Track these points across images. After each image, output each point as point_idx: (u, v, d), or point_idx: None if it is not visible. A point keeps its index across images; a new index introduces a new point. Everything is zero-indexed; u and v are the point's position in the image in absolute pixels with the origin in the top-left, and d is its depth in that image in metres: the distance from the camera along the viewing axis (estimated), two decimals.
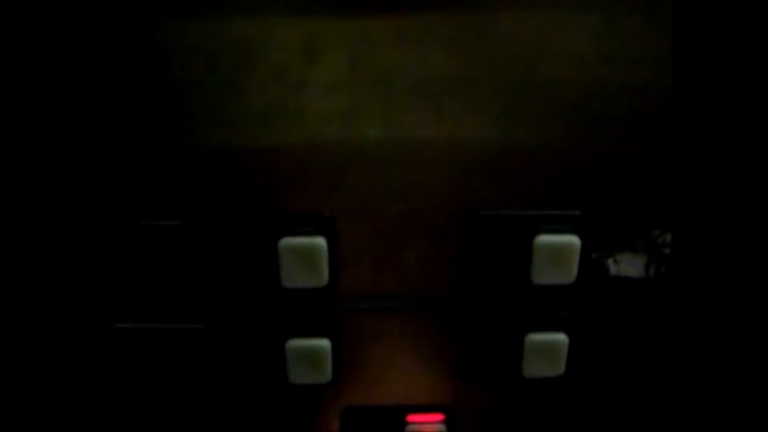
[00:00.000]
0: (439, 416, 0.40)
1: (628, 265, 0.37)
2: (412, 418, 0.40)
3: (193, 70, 0.34)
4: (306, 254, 0.35)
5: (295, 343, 0.37)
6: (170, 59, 0.34)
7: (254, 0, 0.33)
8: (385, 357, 0.39)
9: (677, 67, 0.35)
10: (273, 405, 0.39)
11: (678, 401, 0.40)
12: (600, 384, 0.40)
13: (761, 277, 0.38)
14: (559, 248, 0.36)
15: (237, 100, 0.34)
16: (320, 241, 0.35)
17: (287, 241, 0.35)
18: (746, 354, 0.39)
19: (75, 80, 0.34)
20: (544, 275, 0.37)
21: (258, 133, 0.34)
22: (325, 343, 0.37)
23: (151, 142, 0.34)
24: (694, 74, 0.35)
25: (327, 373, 0.38)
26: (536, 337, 0.38)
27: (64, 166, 0.35)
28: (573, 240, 0.36)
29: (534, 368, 0.39)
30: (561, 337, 0.38)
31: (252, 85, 0.34)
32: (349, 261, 0.36)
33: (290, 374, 0.38)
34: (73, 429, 0.39)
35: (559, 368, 0.39)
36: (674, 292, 0.38)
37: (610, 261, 0.37)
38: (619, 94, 0.35)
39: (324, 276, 0.36)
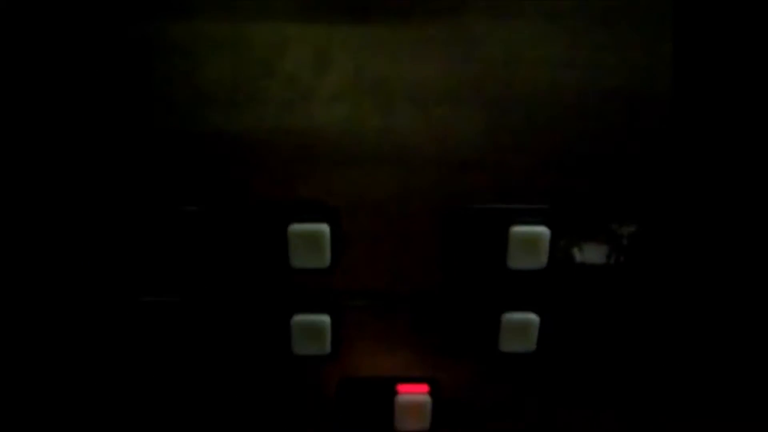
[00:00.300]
0: (424, 387, 0.45)
1: (591, 253, 0.43)
2: (401, 387, 0.45)
3: (209, 72, 0.39)
4: (312, 238, 0.40)
5: (300, 317, 0.42)
6: (190, 61, 0.39)
7: (271, 8, 0.39)
8: (379, 334, 0.44)
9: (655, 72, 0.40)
10: (278, 374, 0.44)
11: (634, 374, 0.45)
12: (567, 359, 0.45)
13: (715, 266, 0.44)
14: (531, 237, 0.41)
15: (254, 102, 0.39)
16: (324, 227, 0.40)
17: (295, 227, 0.40)
18: (702, 336, 0.45)
19: (103, 74, 0.39)
20: (518, 261, 0.42)
21: (272, 132, 0.40)
22: (326, 319, 0.42)
23: (182, 142, 0.39)
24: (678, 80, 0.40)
25: (327, 346, 0.43)
26: (511, 316, 0.43)
27: (99, 157, 0.40)
28: (543, 230, 0.41)
29: (509, 344, 0.44)
30: (533, 317, 0.43)
31: (267, 90, 0.39)
32: (346, 246, 0.42)
33: (294, 346, 0.43)
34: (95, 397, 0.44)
35: (532, 344, 0.44)
36: (633, 277, 0.43)
37: (575, 249, 0.43)
38: (587, 101, 0.40)
39: (327, 258, 0.41)
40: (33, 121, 0.39)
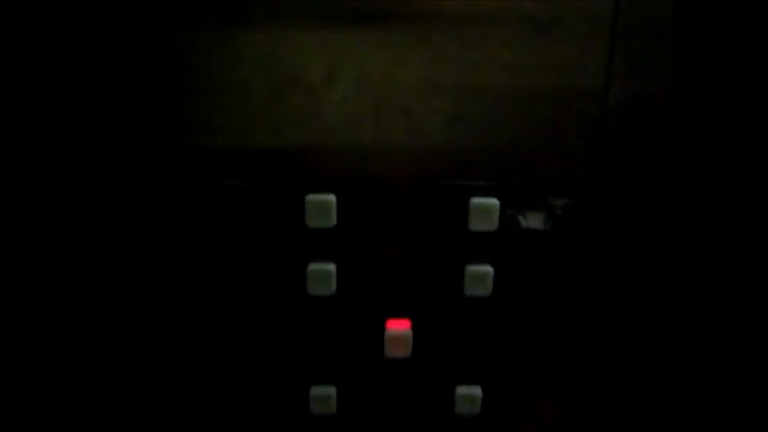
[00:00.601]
0: (407, 322, 0.59)
1: (532, 220, 0.57)
2: (389, 323, 0.59)
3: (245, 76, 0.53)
4: (323, 205, 0.55)
5: (313, 266, 0.56)
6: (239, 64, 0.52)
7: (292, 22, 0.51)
8: (372, 280, 0.58)
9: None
10: (295, 311, 0.58)
11: (567, 315, 0.59)
12: (515, 301, 0.59)
13: (632, 232, 0.57)
14: (486, 207, 0.55)
15: (281, 107, 0.53)
16: (332, 197, 0.54)
17: (311, 197, 0.54)
18: (620, 285, 0.59)
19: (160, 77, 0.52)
20: (476, 224, 0.55)
21: (292, 132, 0.53)
22: (332, 267, 0.56)
23: (226, 132, 0.53)
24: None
25: (333, 288, 0.57)
26: (472, 268, 0.57)
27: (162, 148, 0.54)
28: (495, 201, 0.55)
29: (471, 290, 0.58)
30: (489, 268, 0.57)
31: (287, 99, 0.53)
32: (348, 213, 0.56)
33: (309, 288, 0.57)
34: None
35: (488, 290, 0.58)
36: (565, 240, 0.57)
37: (520, 217, 0.57)
38: (532, 97, 0.53)
39: (333, 219, 0.55)
40: (117, 118, 0.53)
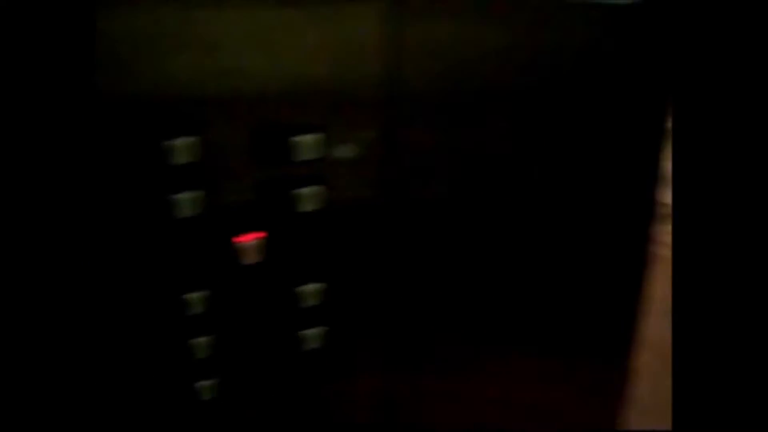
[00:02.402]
0: (259, 234, 0.78)
1: (344, 150, 0.78)
2: (241, 237, 0.78)
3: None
4: (186, 146, 0.72)
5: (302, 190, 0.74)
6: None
7: None
8: (232, 200, 0.76)
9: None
10: (162, 234, 0.75)
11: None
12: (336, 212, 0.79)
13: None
14: (310, 141, 0.75)
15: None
16: (193, 139, 0.73)
17: (177, 141, 0.72)
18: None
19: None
20: (304, 155, 0.76)
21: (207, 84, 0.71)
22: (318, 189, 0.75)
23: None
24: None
25: (199, 210, 0.75)
26: (303, 190, 0.77)
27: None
28: (317, 137, 0.75)
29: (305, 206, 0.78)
30: (316, 189, 0.77)
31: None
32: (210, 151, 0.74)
33: (177, 212, 0.74)
34: None
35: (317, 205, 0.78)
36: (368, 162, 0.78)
37: (335, 148, 0.77)
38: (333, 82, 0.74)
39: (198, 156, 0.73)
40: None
